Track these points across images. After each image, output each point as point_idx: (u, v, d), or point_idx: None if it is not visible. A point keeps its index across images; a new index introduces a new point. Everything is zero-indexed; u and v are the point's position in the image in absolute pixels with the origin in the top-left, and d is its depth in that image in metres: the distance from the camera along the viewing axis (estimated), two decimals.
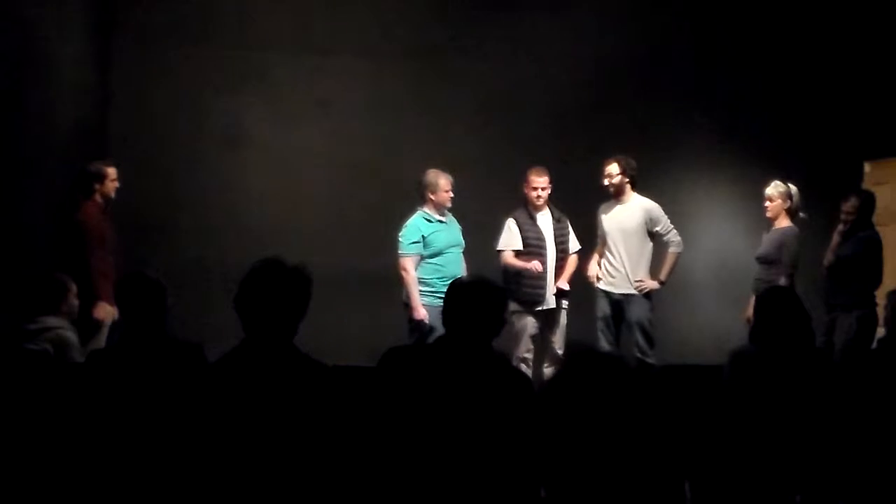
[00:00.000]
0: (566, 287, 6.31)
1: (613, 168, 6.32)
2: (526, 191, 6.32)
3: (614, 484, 2.08)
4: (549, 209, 6.38)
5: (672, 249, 6.36)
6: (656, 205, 6.38)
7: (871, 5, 7.55)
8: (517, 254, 6.26)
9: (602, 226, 6.44)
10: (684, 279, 7.47)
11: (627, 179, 6.32)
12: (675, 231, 6.39)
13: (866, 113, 7.45)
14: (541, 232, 6.30)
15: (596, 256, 6.52)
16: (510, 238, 6.28)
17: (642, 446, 2.11)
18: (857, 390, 4.03)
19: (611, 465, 2.08)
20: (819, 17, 7.60)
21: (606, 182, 6.37)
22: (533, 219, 6.31)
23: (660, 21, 7.68)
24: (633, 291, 6.29)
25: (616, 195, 6.37)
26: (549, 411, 2.14)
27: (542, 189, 6.27)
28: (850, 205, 6.31)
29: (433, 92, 7.64)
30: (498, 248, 6.33)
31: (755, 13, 7.72)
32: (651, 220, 6.31)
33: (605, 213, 6.43)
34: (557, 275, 6.29)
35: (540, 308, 6.25)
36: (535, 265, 6.15)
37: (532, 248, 6.25)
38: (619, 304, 6.31)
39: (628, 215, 6.33)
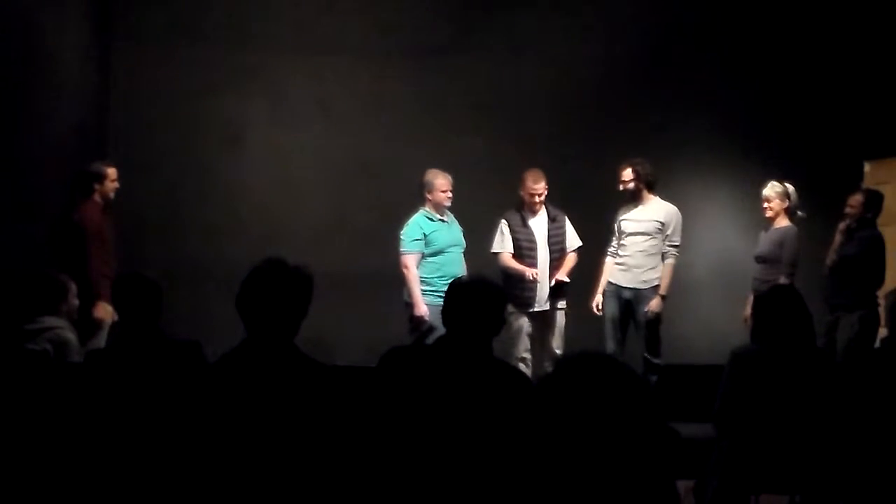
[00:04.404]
0: (566, 279, 6.29)
1: (627, 174, 6.32)
2: (522, 194, 6.32)
3: (608, 483, 2.07)
4: (546, 208, 6.38)
5: (668, 261, 6.29)
6: (678, 212, 6.35)
7: (871, 5, 7.55)
8: (511, 256, 6.28)
9: (619, 224, 6.42)
10: (684, 279, 7.46)
11: (643, 183, 6.30)
12: (678, 246, 6.31)
13: (866, 113, 7.45)
14: (532, 234, 6.30)
15: (602, 282, 6.44)
16: (502, 241, 6.29)
17: (637, 446, 2.10)
18: (859, 390, 4.03)
19: (604, 464, 2.07)
20: (819, 17, 7.60)
21: (621, 187, 6.36)
22: (524, 221, 6.32)
23: (660, 21, 7.68)
24: (642, 288, 6.27)
25: (632, 199, 6.35)
26: (540, 412, 2.13)
27: (539, 195, 6.28)
28: (854, 199, 6.31)
29: (433, 92, 7.64)
30: (492, 251, 6.33)
31: (755, 13, 7.72)
32: (667, 223, 6.29)
33: (624, 213, 6.40)
34: (552, 275, 6.28)
35: (533, 309, 6.25)
36: (532, 272, 6.15)
37: (523, 250, 6.26)
38: (629, 303, 6.30)
39: (648, 214, 6.31)
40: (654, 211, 6.31)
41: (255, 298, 2.89)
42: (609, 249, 6.46)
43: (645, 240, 6.30)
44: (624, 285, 6.31)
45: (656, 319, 6.26)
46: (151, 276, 3.89)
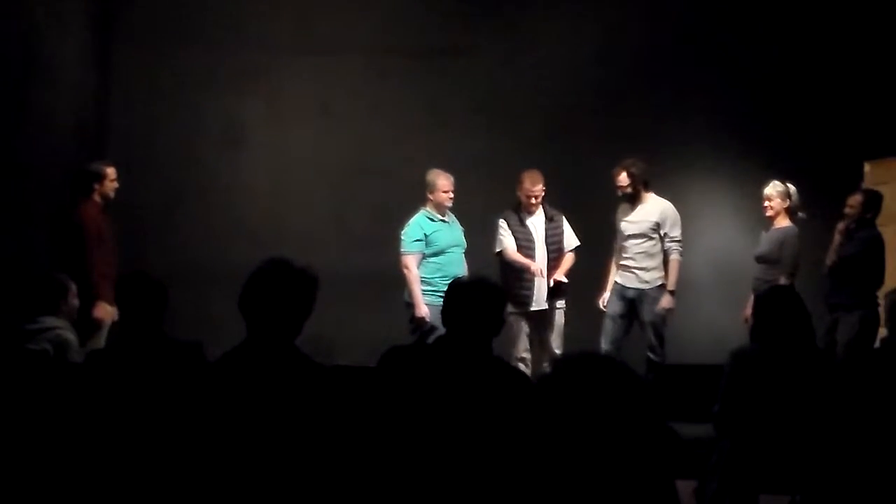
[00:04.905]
0: (564, 279, 6.30)
1: (622, 178, 6.32)
2: (520, 194, 6.33)
3: (608, 483, 2.08)
4: (543, 208, 6.38)
5: (673, 257, 6.31)
6: (673, 208, 6.35)
7: (871, 5, 7.55)
8: None
9: (618, 225, 6.42)
10: (684, 279, 7.44)
11: (640, 184, 6.30)
12: (679, 241, 6.33)
13: (866, 113, 7.44)
14: (530, 234, 6.32)
15: (610, 280, 6.46)
16: (506, 238, 6.30)
17: (636, 446, 2.10)
18: (859, 390, 4.03)
19: (603, 464, 2.07)
20: (819, 17, 7.59)
21: (619, 192, 6.36)
22: (522, 221, 6.33)
23: (660, 21, 7.68)
24: (644, 287, 6.28)
25: (631, 200, 6.35)
26: (539, 411, 2.14)
27: (537, 196, 6.28)
28: (853, 199, 6.31)
29: (433, 92, 7.64)
30: (495, 251, 6.34)
31: (755, 14, 7.72)
32: (662, 220, 6.30)
33: (623, 213, 6.41)
34: (550, 274, 6.29)
35: (531, 309, 6.26)
36: (535, 267, 6.17)
37: (521, 249, 6.27)
38: (632, 302, 6.30)
39: (643, 216, 6.32)
40: (648, 211, 6.32)
41: (258, 298, 2.88)
42: (615, 246, 6.48)
43: (643, 241, 6.30)
44: (627, 286, 6.33)
45: (664, 318, 6.26)
46: (155, 276, 3.87)
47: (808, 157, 7.32)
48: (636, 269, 6.31)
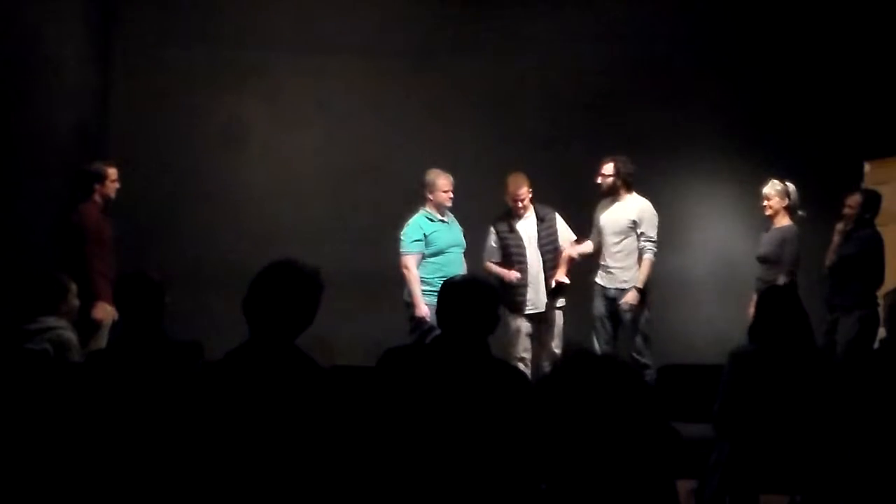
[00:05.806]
0: (565, 280, 6.30)
1: (608, 167, 6.33)
2: (506, 199, 6.33)
3: (608, 483, 2.08)
4: (534, 208, 6.37)
5: (646, 256, 6.30)
6: (651, 207, 6.35)
7: (871, 5, 7.55)
8: (501, 262, 6.31)
9: (597, 222, 6.44)
10: (685, 279, 7.47)
11: (621, 181, 6.31)
12: (654, 241, 6.31)
13: (866, 113, 7.45)
14: (520, 238, 6.31)
15: (589, 243, 6.49)
16: (491, 251, 6.35)
17: (636, 445, 2.11)
18: (858, 390, 4.03)
19: (604, 464, 2.08)
20: (819, 16, 7.60)
21: (600, 180, 6.36)
22: (512, 226, 6.33)
23: (660, 21, 7.68)
24: (624, 287, 6.28)
25: (608, 194, 6.36)
26: (542, 411, 2.14)
27: (522, 200, 6.28)
28: (853, 199, 6.33)
29: (433, 92, 7.64)
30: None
31: (754, 13, 7.72)
32: (640, 219, 6.30)
33: (602, 209, 6.42)
34: (548, 275, 6.29)
35: (529, 311, 6.26)
36: (512, 274, 6.17)
37: (512, 255, 6.28)
38: (614, 301, 6.31)
39: (621, 214, 6.32)
40: (626, 209, 6.33)
41: (262, 300, 2.88)
42: (591, 240, 6.49)
43: (620, 240, 6.31)
44: (608, 286, 6.33)
45: (638, 316, 6.24)
46: (155, 275, 3.87)
47: (808, 157, 7.32)
48: (615, 268, 6.32)
